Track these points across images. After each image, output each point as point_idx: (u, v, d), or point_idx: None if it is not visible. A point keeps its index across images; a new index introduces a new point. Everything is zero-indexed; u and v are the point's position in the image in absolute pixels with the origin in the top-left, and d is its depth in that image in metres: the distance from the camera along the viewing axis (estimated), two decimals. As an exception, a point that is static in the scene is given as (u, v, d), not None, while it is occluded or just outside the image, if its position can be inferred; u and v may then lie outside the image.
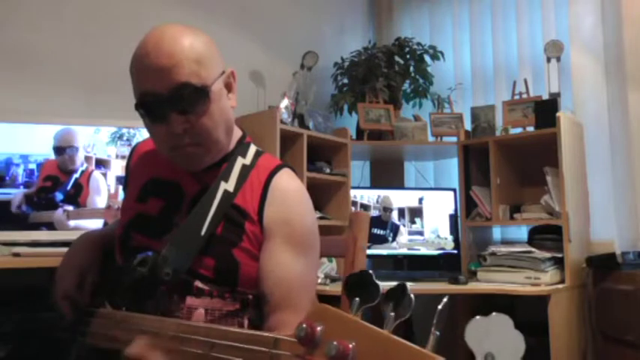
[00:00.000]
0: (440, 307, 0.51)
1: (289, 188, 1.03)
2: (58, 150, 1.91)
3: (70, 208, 1.90)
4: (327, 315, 0.52)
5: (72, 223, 1.90)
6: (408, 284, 0.53)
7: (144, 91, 0.94)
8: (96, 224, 1.94)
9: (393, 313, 0.49)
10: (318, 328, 0.51)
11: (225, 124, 1.01)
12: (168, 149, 0.99)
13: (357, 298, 0.55)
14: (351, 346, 0.48)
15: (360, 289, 0.55)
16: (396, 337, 0.47)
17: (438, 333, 0.49)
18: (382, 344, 0.47)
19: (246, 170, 1.04)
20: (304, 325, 0.51)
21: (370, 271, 0.56)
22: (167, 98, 0.92)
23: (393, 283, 0.50)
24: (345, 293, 0.55)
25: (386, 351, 0.46)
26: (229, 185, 1.01)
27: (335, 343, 0.48)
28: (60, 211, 1.88)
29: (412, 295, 0.55)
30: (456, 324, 2.78)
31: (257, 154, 1.09)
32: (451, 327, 2.79)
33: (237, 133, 1.10)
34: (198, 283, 0.96)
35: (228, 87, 1.03)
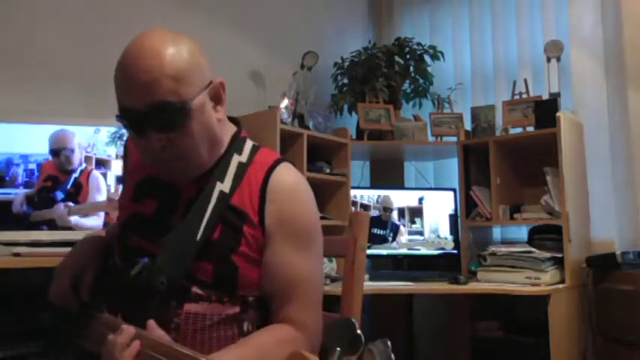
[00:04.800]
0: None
1: (288, 184, 1.01)
2: (54, 152, 1.92)
3: (71, 204, 1.91)
4: None
5: (73, 218, 1.91)
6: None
7: (123, 107, 0.93)
8: (97, 220, 1.95)
9: (339, 349, 0.46)
10: None
11: (208, 139, 0.97)
12: (150, 162, 0.98)
13: (338, 348, 0.52)
14: None
15: (342, 337, 0.52)
16: None
17: None
18: None
19: (242, 168, 1.01)
20: None
21: (353, 320, 0.52)
22: (145, 116, 0.90)
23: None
24: (325, 340, 0.52)
25: None
26: (225, 185, 0.99)
27: None
28: (61, 206, 1.89)
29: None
30: (456, 324, 2.79)
31: (254, 150, 1.06)
32: (450, 329, 2.79)
33: (230, 129, 1.06)
34: (196, 290, 0.94)
35: (216, 99, 0.99)
